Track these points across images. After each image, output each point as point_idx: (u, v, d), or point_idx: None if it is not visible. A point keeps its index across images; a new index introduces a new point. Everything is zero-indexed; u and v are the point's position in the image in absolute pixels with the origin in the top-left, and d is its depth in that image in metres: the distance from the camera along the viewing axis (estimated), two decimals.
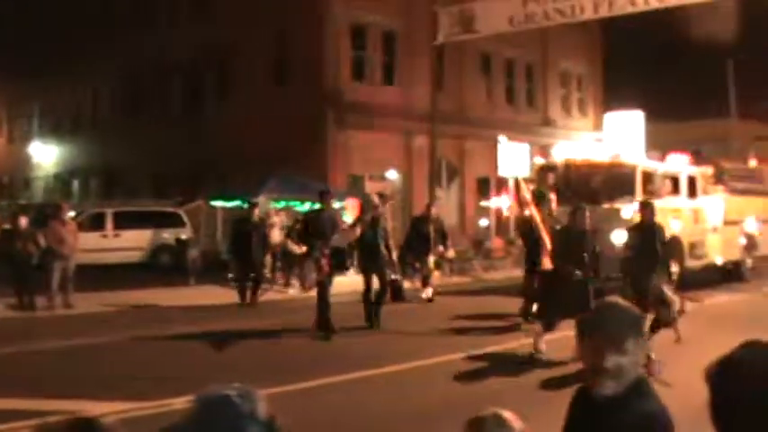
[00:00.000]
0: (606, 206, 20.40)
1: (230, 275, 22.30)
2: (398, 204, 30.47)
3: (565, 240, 13.16)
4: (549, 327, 12.61)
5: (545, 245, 14.28)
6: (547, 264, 13.86)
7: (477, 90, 37.07)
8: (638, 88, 44.69)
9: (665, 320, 12.46)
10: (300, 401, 9.63)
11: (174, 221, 28.67)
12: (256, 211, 21.00)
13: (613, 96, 42.36)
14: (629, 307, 3.24)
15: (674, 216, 22.13)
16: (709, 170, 25.42)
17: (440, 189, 26.84)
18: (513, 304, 17.24)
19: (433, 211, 21.44)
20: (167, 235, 28.40)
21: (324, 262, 14.97)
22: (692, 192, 23.81)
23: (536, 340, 12.62)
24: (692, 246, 23.20)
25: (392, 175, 31.90)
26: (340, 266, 15.56)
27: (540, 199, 16.00)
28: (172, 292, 21.58)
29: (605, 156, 22.96)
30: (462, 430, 2.79)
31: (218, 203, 28.35)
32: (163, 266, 27.27)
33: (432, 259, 20.67)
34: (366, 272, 16.46)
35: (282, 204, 26.03)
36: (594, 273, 12.82)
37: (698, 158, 25.89)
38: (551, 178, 23.10)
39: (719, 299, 20.41)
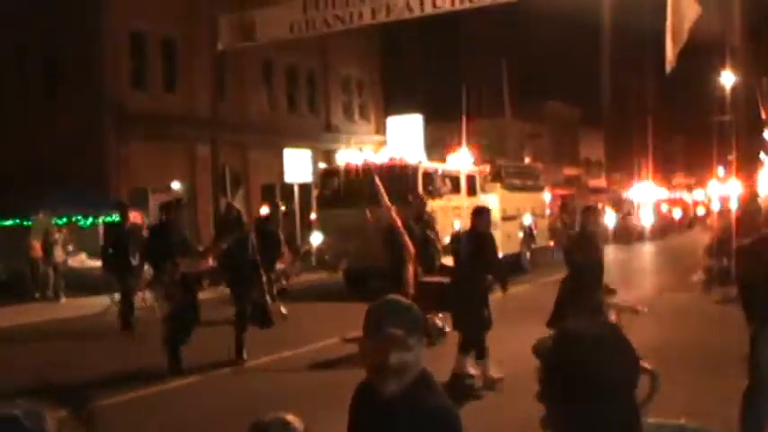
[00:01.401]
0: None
1: None
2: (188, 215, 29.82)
3: (472, 244, 11.41)
4: (481, 351, 11.08)
5: (409, 251, 12.67)
6: (409, 271, 12.57)
7: (259, 97, 36.91)
8: (419, 91, 46.00)
9: None
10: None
11: None
12: (130, 217, 18.59)
13: (395, 100, 43.35)
14: (411, 304, 3.30)
15: (455, 214, 22.90)
16: (486, 168, 26.48)
17: (224, 198, 26.56)
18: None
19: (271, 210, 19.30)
20: None
21: (174, 289, 12.68)
22: (471, 190, 24.71)
23: (463, 364, 11.11)
24: None
25: (176, 185, 31.36)
26: (189, 293, 12.98)
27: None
28: None
29: (386, 158, 23.48)
30: None
31: None
32: None
33: (281, 267, 18.92)
34: (237, 294, 13.80)
35: (64, 221, 25.22)
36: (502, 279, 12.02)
37: (477, 157, 26.91)
38: (335, 183, 23.49)
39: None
